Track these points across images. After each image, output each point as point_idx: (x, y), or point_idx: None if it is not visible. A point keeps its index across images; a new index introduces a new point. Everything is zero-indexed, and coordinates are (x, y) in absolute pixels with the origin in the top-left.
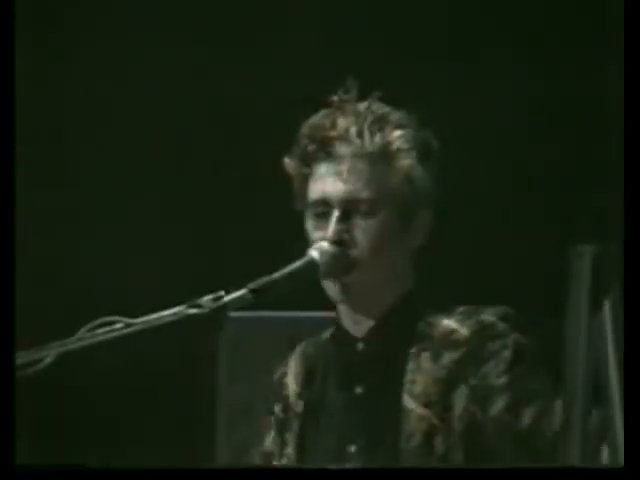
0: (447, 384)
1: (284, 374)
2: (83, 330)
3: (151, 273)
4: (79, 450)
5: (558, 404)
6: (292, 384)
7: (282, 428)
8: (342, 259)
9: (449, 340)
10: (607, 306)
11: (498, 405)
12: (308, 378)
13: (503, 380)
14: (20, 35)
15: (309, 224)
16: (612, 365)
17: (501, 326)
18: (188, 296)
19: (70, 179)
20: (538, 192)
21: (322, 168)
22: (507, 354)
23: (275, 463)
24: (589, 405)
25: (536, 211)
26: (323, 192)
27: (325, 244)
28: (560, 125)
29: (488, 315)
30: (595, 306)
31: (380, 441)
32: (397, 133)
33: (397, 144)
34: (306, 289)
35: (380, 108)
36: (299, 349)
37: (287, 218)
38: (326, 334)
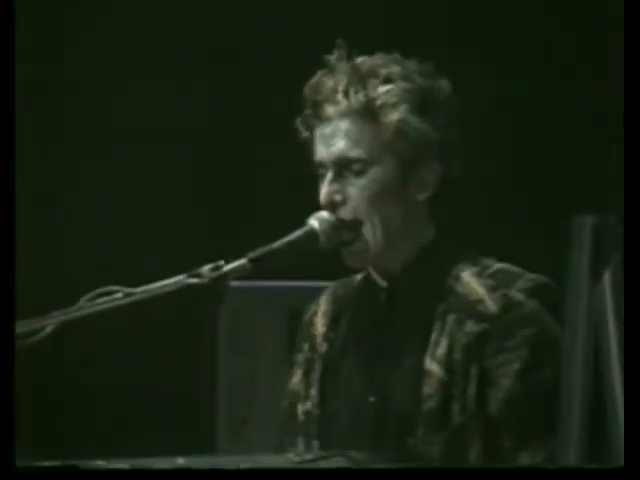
0: (467, 354)
1: (314, 313)
2: (83, 300)
3: (151, 243)
4: (78, 432)
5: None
6: (320, 324)
7: (309, 368)
8: (342, 225)
9: (475, 310)
10: (607, 275)
11: (497, 398)
12: (335, 320)
13: (509, 381)
14: (20, 35)
15: (320, 187)
16: (612, 335)
17: (529, 307)
18: (188, 266)
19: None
20: (540, 163)
21: (318, 131)
22: (524, 353)
23: (300, 405)
24: (588, 382)
25: (538, 182)
26: (319, 155)
27: (325, 213)
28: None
29: (518, 290)
30: (595, 275)
31: (398, 396)
32: (383, 88)
33: (382, 99)
34: (306, 258)
35: (370, 63)
36: (330, 289)
37: (287, 186)
38: (358, 276)
